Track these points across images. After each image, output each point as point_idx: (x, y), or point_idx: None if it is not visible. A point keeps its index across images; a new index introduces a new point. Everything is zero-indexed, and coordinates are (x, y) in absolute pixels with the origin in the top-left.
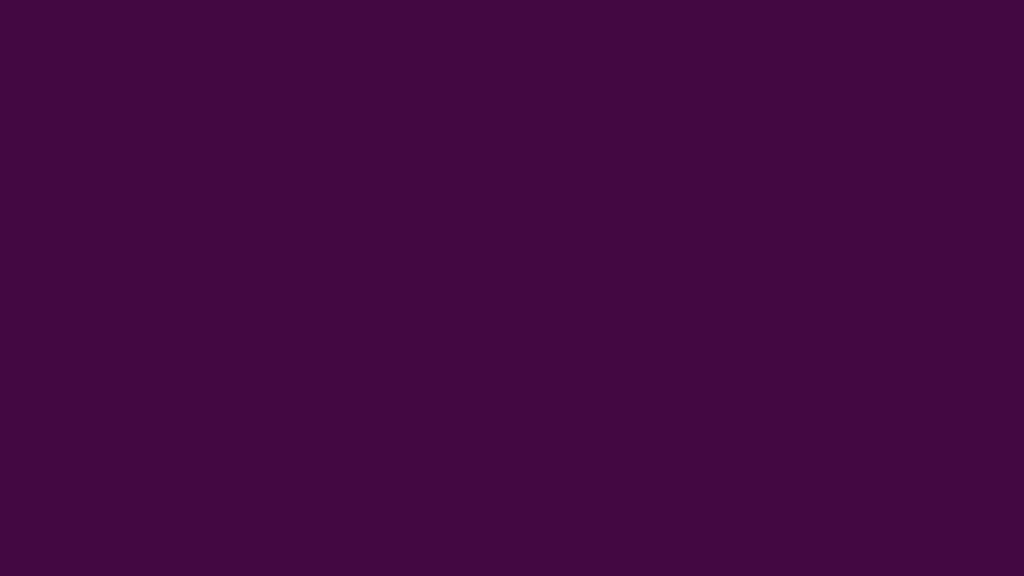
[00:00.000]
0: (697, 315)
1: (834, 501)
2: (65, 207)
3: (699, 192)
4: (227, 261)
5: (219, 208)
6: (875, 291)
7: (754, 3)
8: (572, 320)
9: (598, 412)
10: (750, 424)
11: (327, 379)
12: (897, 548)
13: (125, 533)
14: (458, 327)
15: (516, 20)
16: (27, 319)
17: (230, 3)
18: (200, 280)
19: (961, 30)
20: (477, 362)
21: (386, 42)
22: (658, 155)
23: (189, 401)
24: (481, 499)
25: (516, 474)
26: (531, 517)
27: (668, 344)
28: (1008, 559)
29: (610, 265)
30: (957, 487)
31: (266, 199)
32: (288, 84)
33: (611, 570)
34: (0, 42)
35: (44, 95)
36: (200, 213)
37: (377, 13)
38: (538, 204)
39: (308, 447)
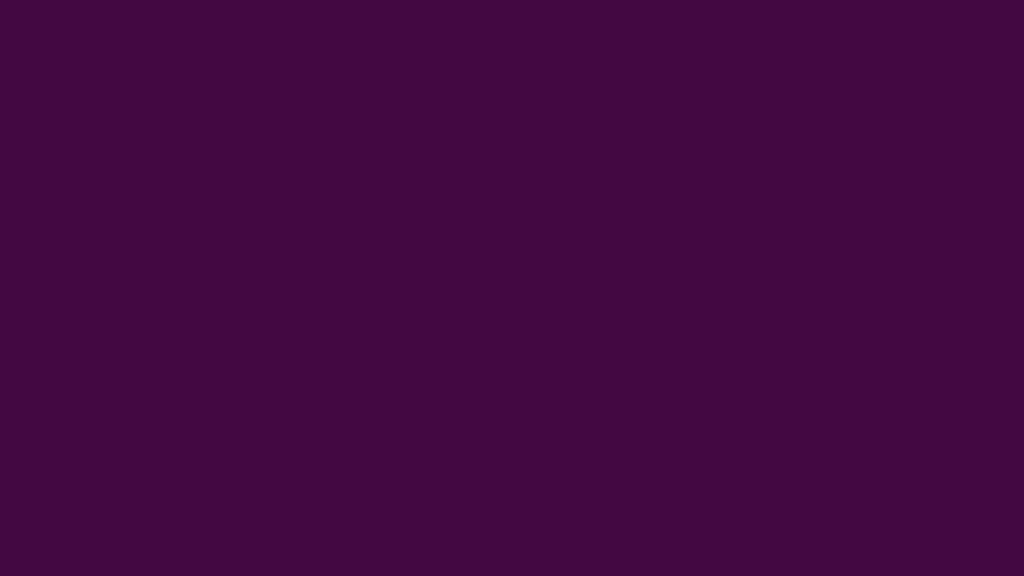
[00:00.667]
0: (697, 315)
1: (834, 501)
2: (65, 207)
3: (699, 192)
4: (227, 261)
5: (219, 208)
6: (875, 291)
7: (754, 3)
8: (572, 320)
9: (598, 412)
10: (750, 424)
11: (327, 379)
12: (897, 548)
13: (125, 533)
14: (458, 327)
15: (516, 20)
16: (27, 319)
17: (230, 3)
18: (200, 280)
19: (961, 30)
20: (477, 362)
21: (386, 42)
22: (658, 155)
23: (189, 401)
24: (481, 499)
25: (516, 474)
26: (531, 517)
27: (668, 344)
28: (1008, 559)
29: (610, 265)
30: (957, 487)
31: (266, 199)
32: (288, 84)
33: (611, 570)
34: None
35: (44, 95)
36: (200, 213)
37: (377, 13)
38: (538, 204)
39: (308, 447)
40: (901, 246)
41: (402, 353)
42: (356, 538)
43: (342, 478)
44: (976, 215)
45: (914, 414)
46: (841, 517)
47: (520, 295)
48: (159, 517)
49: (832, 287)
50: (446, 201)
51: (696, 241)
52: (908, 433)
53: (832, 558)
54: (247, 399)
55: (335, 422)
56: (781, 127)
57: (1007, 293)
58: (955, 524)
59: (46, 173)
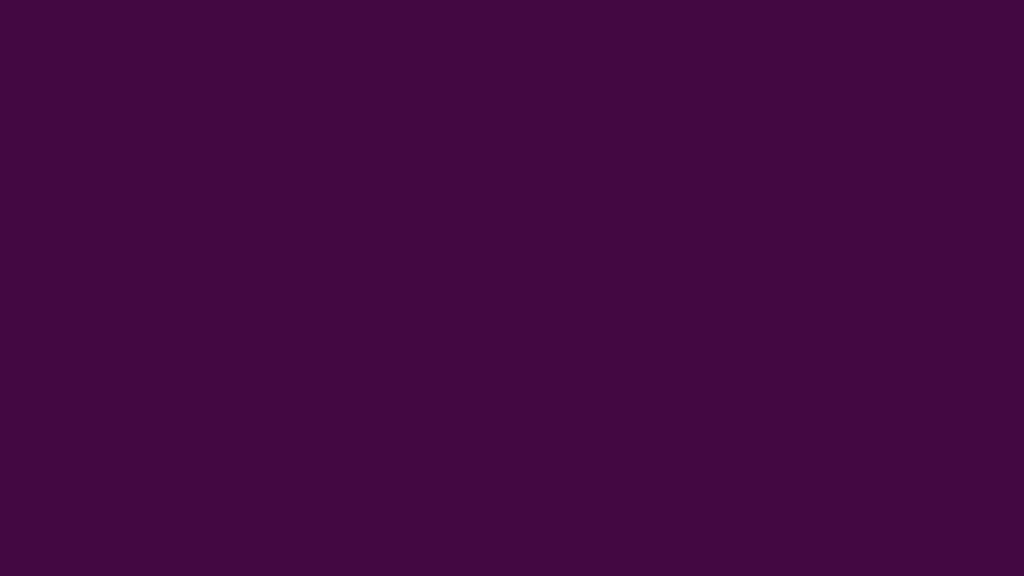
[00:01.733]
0: (697, 315)
1: (834, 501)
2: (65, 207)
3: (699, 192)
4: (227, 261)
5: (219, 208)
6: (875, 291)
7: (754, 3)
8: (572, 320)
9: (598, 412)
10: (750, 424)
11: (327, 379)
12: (897, 548)
13: (125, 533)
14: (458, 327)
15: (516, 20)
16: (27, 319)
17: (230, 3)
18: (200, 280)
19: (961, 30)
20: (477, 362)
21: (386, 42)
22: (658, 155)
23: (189, 401)
24: (481, 499)
25: (516, 474)
26: (531, 517)
27: (668, 344)
28: (1008, 559)
29: (610, 265)
30: (957, 487)
31: (266, 199)
32: (288, 84)
33: (611, 570)
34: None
35: (44, 95)
36: (200, 213)
37: (377, 13)
38: (538, 204)
39: (308, 447)
40: (901, 246)
41: (402, 353)
42: (356, 538)
43: (342, 478)
44: (976, 215)
45: (914, 414)
46: (841, 517)
47: (520, 295)
48: (159, 517)
49: (832, 287)
50: (446, 201)
51: (696, 241)
52: (908, 433)
53: (832, 558)
54: (247, 399)
55: (335, 422)
56: (781, 127)
57: (1007, 293)
58: (955, 524)
59: (46, 173)
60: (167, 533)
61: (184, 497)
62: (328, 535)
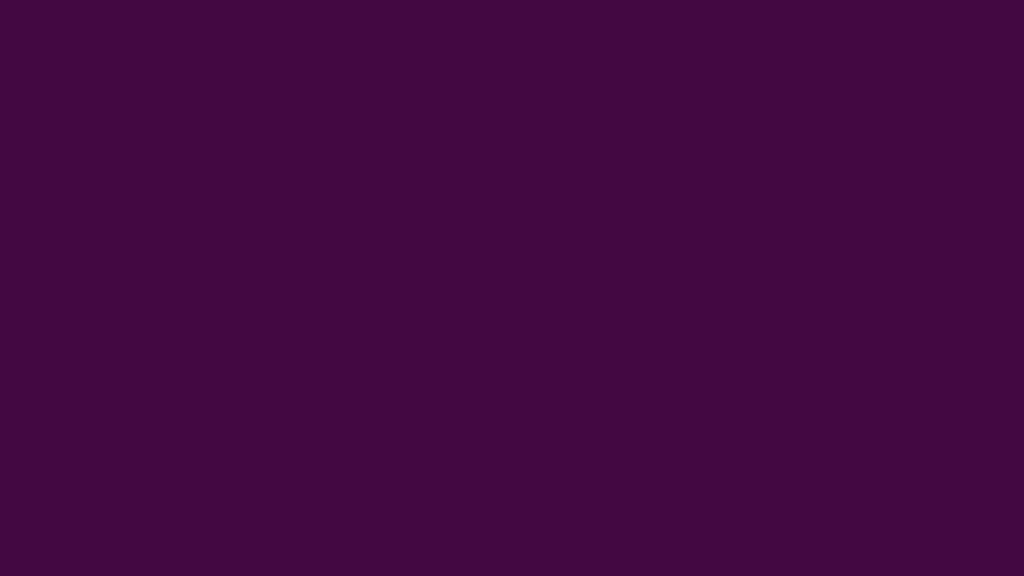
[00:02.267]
0: (697, 315)
1: (834, 501)
2: (65, 207)
3: (699, 192)
4: (227, 261)
5: (219, 208)
6: (875, 291)
7: (754, 3)
8: (572, 320)
9: (598, 412)
10: (750, 424)
11: (327, 379)
12: (897, 548)
13: (125, 533)
14: (458, 327)
15: (516, 20)
16: (27, 319)
17: (230, 3)
18: (200, 280)
19: (961, 30)
20: (477, 362)
21: (386, 42)
22: (658, 155)
23: (189, 401)
24: (481, 499)
25: (516, 474)
26: (531, 517)
27: (668, 344)
28: (1008, 559)
29: (610, 265)
30: (957, 487)
31: (266, 199)
32: (288, 84)
33: (611, 570)
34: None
35: (44, 95)
36: (200, 213)
37: (377, 13)
38: (538, 204)
39: (308, 447)
40: (901, 246)
41: (402, 353)
42: (356, 538)
43: (342, 478)
44: (976, 215)
45: (914, 414)
46: (841, 517)
47: (520, 295)
48: (159, 517)
49: (832, 287)
50: (446, 201)
51: (696, 241)
52: (908, 433)
53: (832, 558)
54: (247, 399)
55: (335, 422)
56: (781, 127)
57: (1007, 293)
58: (955, 524)
59: (46, 173)
60: (167, 533)
61: (184, 497)
62: (328, 535)
